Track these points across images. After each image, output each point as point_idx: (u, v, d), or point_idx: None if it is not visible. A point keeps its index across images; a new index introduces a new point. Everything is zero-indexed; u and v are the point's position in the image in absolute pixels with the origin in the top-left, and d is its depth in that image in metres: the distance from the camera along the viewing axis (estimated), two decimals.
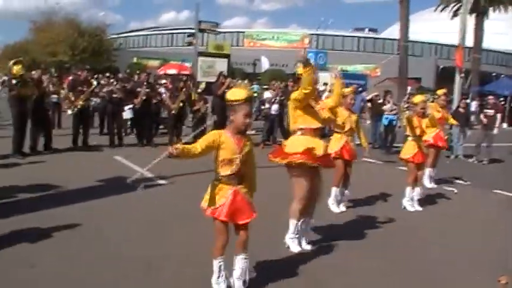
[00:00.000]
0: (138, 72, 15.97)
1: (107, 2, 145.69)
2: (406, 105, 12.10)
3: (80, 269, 4.34)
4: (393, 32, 48.99)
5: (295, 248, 5.07)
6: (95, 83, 11.96)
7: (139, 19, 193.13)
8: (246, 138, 3.89)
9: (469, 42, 26.19)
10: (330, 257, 5.02)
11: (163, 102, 13.17)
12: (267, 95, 15.69)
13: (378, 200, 7.76)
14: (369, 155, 7.52)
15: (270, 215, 5.34)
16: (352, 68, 40.70)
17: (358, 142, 7.30)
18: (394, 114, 14.15)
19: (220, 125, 8.74)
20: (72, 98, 11.17)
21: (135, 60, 42.98)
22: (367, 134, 14.90)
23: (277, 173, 5.52)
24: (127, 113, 12.71)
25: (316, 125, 5.04)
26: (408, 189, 7.24)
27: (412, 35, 30.14)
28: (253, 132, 14.83)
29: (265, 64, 36.54)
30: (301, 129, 5.03)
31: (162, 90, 13.80)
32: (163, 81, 15.65)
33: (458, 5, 30.69)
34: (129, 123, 13.83)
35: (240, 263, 3.90)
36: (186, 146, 3.64)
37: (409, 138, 7.34)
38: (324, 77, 26.80)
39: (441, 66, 44.78)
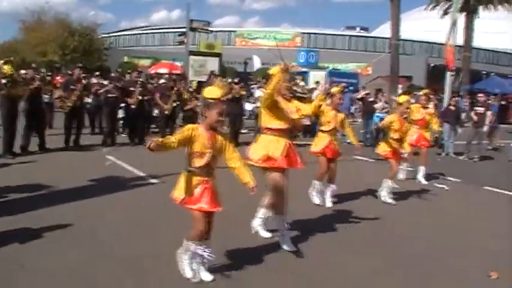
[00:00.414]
0: (129, 71, 15.91)
1: (98, 1, 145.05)
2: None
3: (71, 268, 4.31)
4: (384, 30, 49.20)
5: (264, 234, 5.12)
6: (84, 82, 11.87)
7: (130, 18, 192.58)
8: (218, 134, 4.08)
9: (460, 40, 26.34)
10: (318, 254, 5.03)
11: (155, 103, 13.14)
12: (259, 93, 15.69)
13: (367, 196, 7.82)
14: (359, 152, 7.59)
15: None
16: (344, 66, 40.85)
17: (349, 140, 7.39)
18: (386, 113, 14.20)
19: None
20: (65, 97, 11.09)
21: (126, 59, 42.78)
22: (358, 133, 15.07)
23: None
24: (119, 113, 12.69)
25: (283, 125, 5.06)
26: (386, 181, 7.50)
27: (403, 34, 30.22)
28: (245, 130, 14.83)
29: (256, 63, 36.57)
30: (268, 128, 5.09)
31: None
32: (162, 80, 15.57)
33: (448, 4, 30.85)
34: (121, 122, 13.80)
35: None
36: (164, 139, 3.84)
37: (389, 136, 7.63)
38: (315, 75, 26.92)
39: (432, 65, 45.00)
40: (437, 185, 9.08)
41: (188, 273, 4.13)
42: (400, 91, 22.62)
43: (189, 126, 4.03)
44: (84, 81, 11.62)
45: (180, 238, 4.40)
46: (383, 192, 7.53)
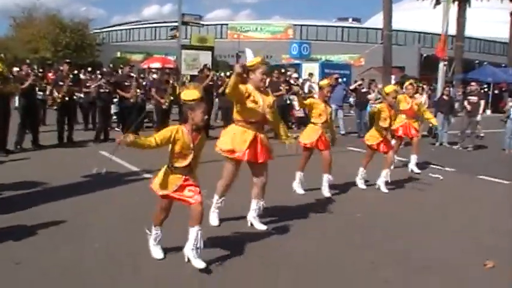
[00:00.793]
0: (121, 66, 15.84)
1: None
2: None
3: (65, 265, 4.29)
4: (377, 21, 49.26)
5: (214, 221, 5.40)
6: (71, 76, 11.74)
7: (122, 13, 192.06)
8: (201, 134, 4.25)
9: (452, 30, 26.34)
10: (313, 246, 5.03)
11: (152, 97, 13.03)
12: None
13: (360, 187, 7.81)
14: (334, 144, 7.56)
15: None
16: (336, 57, 40.88)
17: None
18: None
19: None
20: (56, 94, 11.02)
21: (118, 54, 42.68)
22: (353, 123, 15.07)
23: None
24: (112, 108, 12.62)
25: (252, 118, 5.20)
26: (360, 169, 7.77)
27: (395, 24, 30.24)
28: None
29: (249, 56, 36.47)
30: (238, 120, 5.25)
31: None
32: (154, 76, 15.49)
33: None
34: (114, 117, 13.74)
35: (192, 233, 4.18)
36: (141, 137, 4.03)
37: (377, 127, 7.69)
38: (308, 67, 26.90)
39: (424, 55, 45.08)
40: (432, 175, 9.10)
41: (157, 254, 4.44)
42: (393, 81, 22.67)
43: (172, 127, 4.19)
44: (71, 76, 11.47)
45: (174, 234, 4.40)
46: (380, 181, 7.62)
